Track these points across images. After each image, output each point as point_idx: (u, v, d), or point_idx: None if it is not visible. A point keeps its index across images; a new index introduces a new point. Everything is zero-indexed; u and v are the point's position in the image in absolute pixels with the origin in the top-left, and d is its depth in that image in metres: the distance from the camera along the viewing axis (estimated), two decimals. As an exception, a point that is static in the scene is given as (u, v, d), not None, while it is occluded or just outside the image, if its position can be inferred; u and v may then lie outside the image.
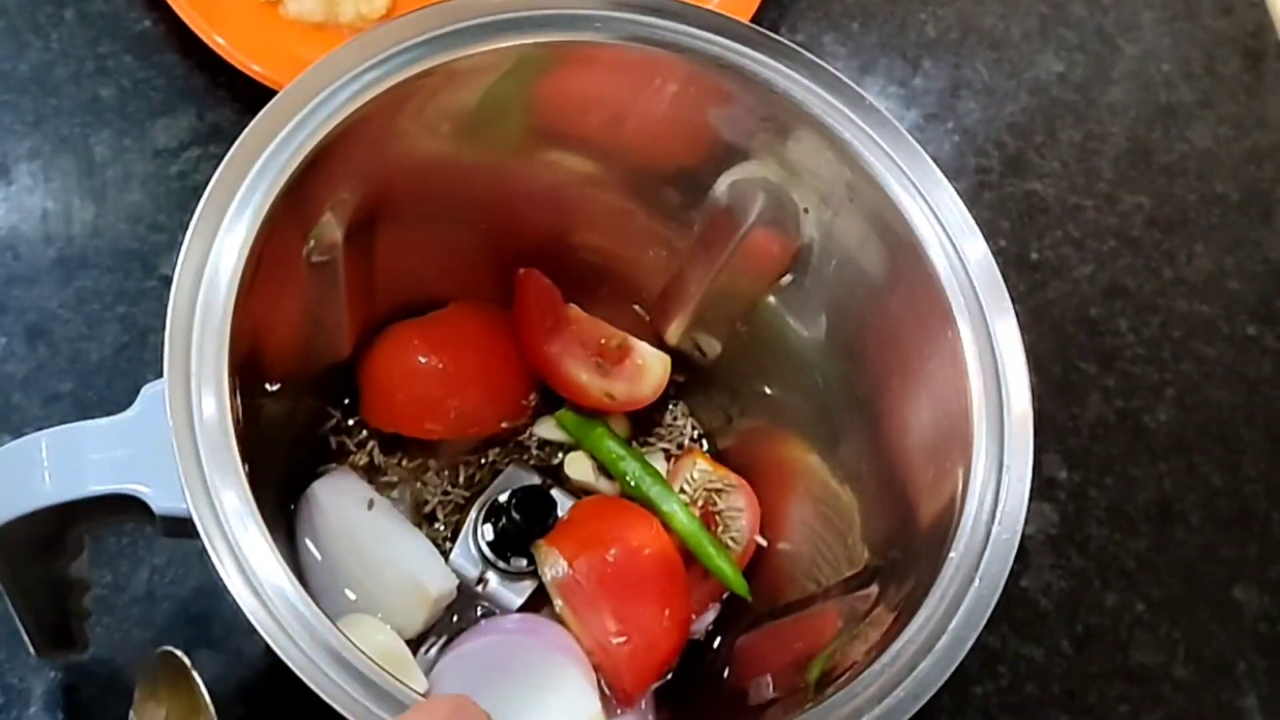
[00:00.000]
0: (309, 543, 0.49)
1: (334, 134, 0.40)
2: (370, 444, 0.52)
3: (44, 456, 0.37)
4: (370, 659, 0.34)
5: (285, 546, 0.35)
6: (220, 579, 0.34)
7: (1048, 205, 0.67)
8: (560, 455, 0.54)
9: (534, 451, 0.54)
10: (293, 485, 0.50)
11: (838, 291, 0.48)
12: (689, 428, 0.57)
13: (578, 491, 0.54)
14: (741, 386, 0.54)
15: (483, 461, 0.53)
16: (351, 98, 0.40)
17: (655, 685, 0.50)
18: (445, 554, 0.51)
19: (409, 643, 0.48)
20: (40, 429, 0.38)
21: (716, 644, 0.53)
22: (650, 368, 0.54)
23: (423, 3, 0.42)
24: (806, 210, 0.46)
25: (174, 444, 0.35)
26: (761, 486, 0.53)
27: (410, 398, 0.51)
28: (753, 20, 0.63)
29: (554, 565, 0.49)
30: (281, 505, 0.49)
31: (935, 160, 0.44)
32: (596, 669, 0.48)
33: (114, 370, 0.55)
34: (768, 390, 0.53)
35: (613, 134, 0.47)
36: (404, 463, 0.53)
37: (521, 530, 0.50)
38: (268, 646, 0.34)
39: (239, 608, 0.34)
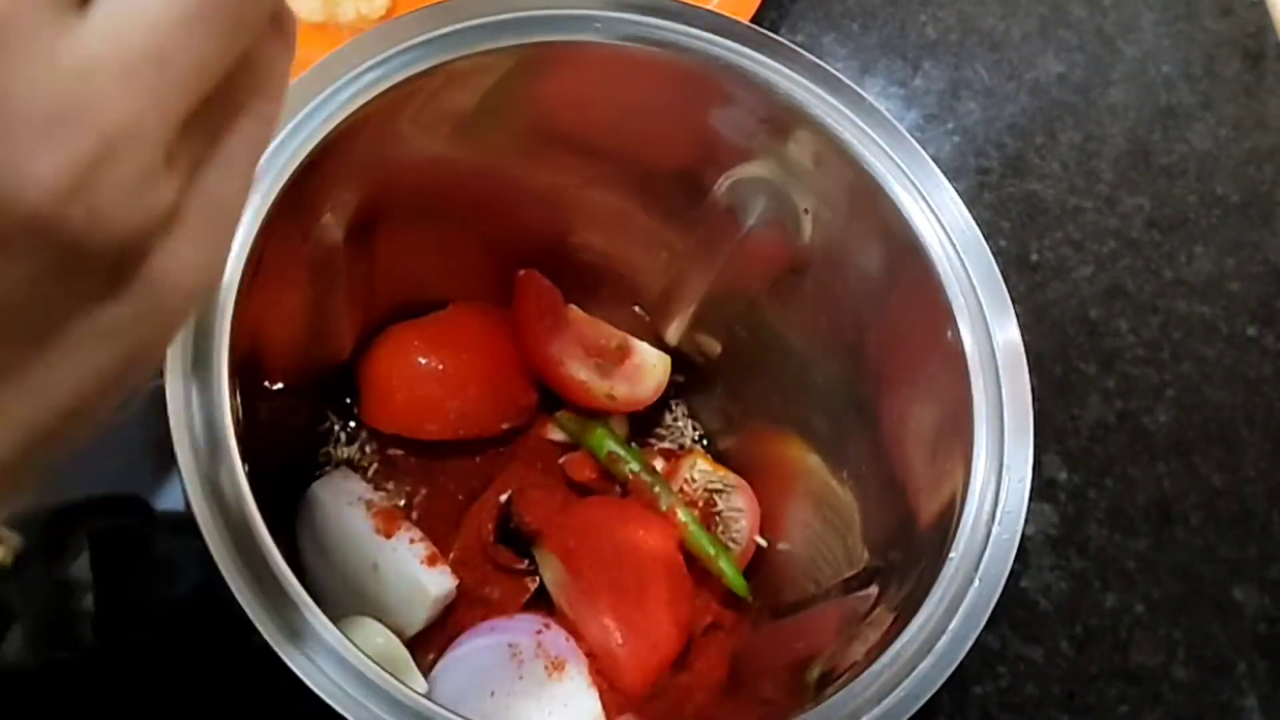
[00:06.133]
0: (309, 543, 0.49)
1: (334, 134, 0.40)
2: (370, 445, 0.52)
3: (44, 456, 0.37)
4: (370, 659, 0.34)
5: (285, 546, 0.35)
6: (220, 579, 0.34)
7: (1048, 206, 0.67)
8: (560, 455, 0.54)
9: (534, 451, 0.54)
10: (293, 485, 0.50)
11: (838, 291, 0.48)
12: (689, 428, 0.57)
13: (578, 491, 0.54)
14: (741, 386, 0.54)
15: (483, 461, 0.53)
16: (351, 98, 0.40)
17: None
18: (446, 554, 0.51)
19: (409, 643, 0.48)
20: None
21: (716, 644, 0.53)
22: (650, 368, 0.54)
23: (423, 3, 0.42)
24: (806, 210, 0.46)
25: (174, 444, 0.35)
26: (761, 486, 0.53)
27: (410, 399, 0.51)
28: (753, 20, 0.63)
29: (554, 566, 0.49)
30: (281, 505, 0.49)
31: (935, 161, 0.44)
32: (596, 669, 0.48)
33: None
34: (768, 390, 0.53)
35: (612, 134, 0.47)
36: (404, 463, 0.53)
37: (521, 531, 0.50)
38: (268, 646, 0.34)
39: (239, 608, 0.34)
